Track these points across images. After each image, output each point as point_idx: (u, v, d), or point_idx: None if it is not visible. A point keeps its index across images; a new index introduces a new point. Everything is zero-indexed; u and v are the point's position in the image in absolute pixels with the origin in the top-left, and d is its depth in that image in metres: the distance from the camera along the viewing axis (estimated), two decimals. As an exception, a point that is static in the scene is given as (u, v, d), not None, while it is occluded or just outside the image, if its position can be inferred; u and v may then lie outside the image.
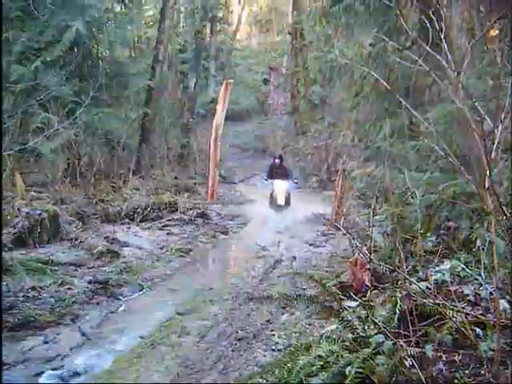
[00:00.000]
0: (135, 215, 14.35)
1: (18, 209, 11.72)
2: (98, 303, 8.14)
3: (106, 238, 11.91)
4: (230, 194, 20.27)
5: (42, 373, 5.63)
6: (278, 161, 16.47)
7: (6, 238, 10.48)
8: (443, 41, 3.53)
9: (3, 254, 9.56)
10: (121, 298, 8.53)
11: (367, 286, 5.77)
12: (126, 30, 17.87)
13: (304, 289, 7.71)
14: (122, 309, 8.04)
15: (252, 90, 30.88)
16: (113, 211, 14.13)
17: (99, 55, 16.88)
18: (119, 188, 16.74)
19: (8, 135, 14.53)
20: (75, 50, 15.21)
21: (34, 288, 8.07)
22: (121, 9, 18.69)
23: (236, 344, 6.05)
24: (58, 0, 14.58)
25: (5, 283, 8.04)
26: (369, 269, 5.76)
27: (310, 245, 11.68)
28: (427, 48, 3.63)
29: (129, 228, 13.44)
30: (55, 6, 14.51)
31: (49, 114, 14.75)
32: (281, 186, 15.61)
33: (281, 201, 15.35)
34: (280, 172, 16.12)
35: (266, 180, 16.26)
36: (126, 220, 14.03)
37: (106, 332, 7.00)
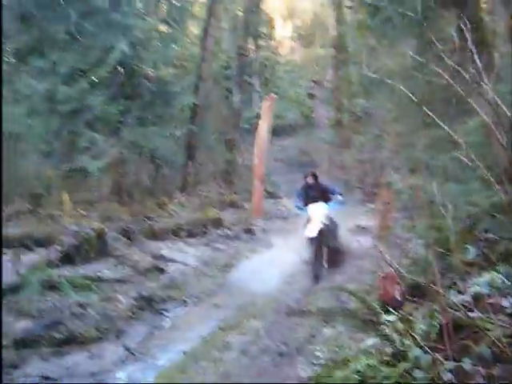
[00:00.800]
0: (181, 231, 14.47)
1: (66, 227, 11.97)
2: (142, 319, 8.25)
3: (151, 254, 12.04)
4: (275, 208, 20.21)
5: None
6: (310, 179, 11.62)
7: (53, 256, 10.71)
8: (474, 50, 3.51)
9: (51, 270, 9.79)
10: (165, 313, 8.63)
11: (398, 300, 5.71)
12: (169, 49, 18.09)
13: (346, 302, 7.66)
14: (166, 324, 8.12)
15: (296, 104, 30.92)
16: (158, 228, 14.28)
17: (143, 74, 17.10)
18: (165, 205, 16.91)
19: (56, 155, 14.90)
20: (120, 69, 15.45)
21: (79, 304, 8.21)
22: (164, 28, 18.91)
23: (277, 359, 6.04)
24: (103, 21, 14.84)
25: (51, 299, 8.23)
26: (399, 283, 5.69)
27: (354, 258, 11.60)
28: (452, 63, 3.60)
29: (174, 244, 13.54)
30: (100, 28, 14.80)
31: (95, 133, 15.00)
32: (317, 213, 10.93)
33: (311, 232, 10.58)
34: (316, 193, 11.37)
35: (299, 208, 11.63)
36: (172, 236, 14.15)
37: (149, 347, 7.09)
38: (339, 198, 11.28)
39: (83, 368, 6.21)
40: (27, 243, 11.73)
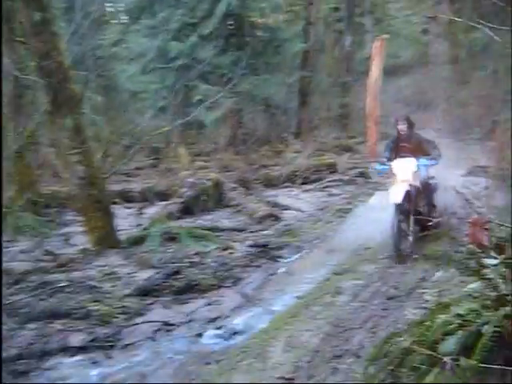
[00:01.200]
0: (296, 178, 14.64)
1: (184, 179, 12.44)
2: (258, 266, 8.49)
3: (267, 202, 12.30)
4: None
5: (204, 332, 6.06)
6: (402, 126, 8.63)
7: (172, 208, 11.21)
8: None
9: (171, 222, 10.27)
10: (280, 260, 8.85)
11: (485, 245, 5.57)
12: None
13: (455, 248, 7.50)
14: (281, 271, 8.33)
15: (410, 42, 30.02)
16: (274, 175, 14.54)
17: (252, 23, 17.13)
18: (280, 152, 17.11)
19: (172, 109, 15.37)
20: (228, 20, 15.58)
21: (198, 254, 8.59)
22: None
23: (387, 302, 6.13)
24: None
25: (171, 250, 8.70)
26: (487, 229, 5.55)
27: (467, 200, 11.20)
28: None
29: (290, 191, 13.77)
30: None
31: (208, 85, 15.32)
32: (403, 170, 8.23)
33: (395, 197, 7.94)
34: (408, 145, 8.57)
35: (383, 165, 8.70)
36: (287, 183, 14.37)
37: (265, 293, 7.34)
38: (434, 153, 8.38)
39: (202, 315, 6.54)
40: (149, 196, 12.33)
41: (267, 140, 17.74)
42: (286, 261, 8.82)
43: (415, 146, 8.53)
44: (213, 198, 11.93)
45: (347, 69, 22.76)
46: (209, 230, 9.94)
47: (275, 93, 18.00)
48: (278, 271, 8.32)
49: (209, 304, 6.92)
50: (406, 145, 8.60)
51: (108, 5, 22.27)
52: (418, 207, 8.36)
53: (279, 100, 18.64)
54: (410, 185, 8.11)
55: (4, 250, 9.48)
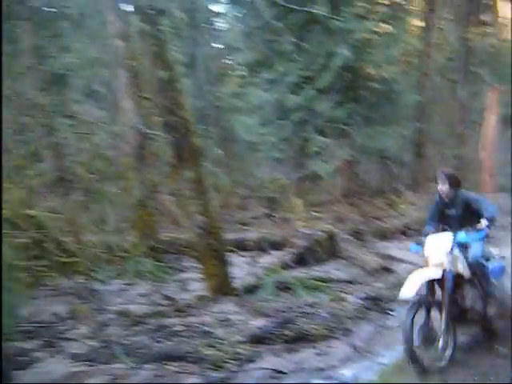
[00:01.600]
0: (409, 230, 14.58)
1: (299, 230, 12.74)
2: (369, 318, 8.58)
3: (380, 254, 12.32)
4: (505, 203, 19.27)
5: (313, 382, 6.23)
6: (443, 186, 6.40)
7: (286, 257, 11.51)
8: None
9: (284, 272, 10.58)
10: (392, 313, 8.87)
11: None
12: (391, 48, 18.10)
13: None
14: (392, 323, 8.36)
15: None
16: (387, 227, 14.55)
17: (367, 76, 17.35)
18: (394, 204, 17.10)
19: (288, 161, 15.83)
20: (343, 73, 15.87)
21: (310, 304, 8.80)
22: (385, 27, 18.93)
23: (496, 360, 6.08)
24: (324, 28, 15.40)
25: (284, 300, 8.96)
26: None
27: None
28: None
29: (403, 244, 13.68)
30: (322, 35, 15.40)
31: (324, 137, 15.61)
32: (433, 249, 6.20)
33: (406, 290, 5.78)
34: (455, 211, 6.47)
35: (418, 243, 6.70)
36: (400, 236, 14.32)
37: (374, 346, 7.42)
38: (485, 222, 5.98)
39: (311, 364, 6.72)
40: (263, 246, 12.69)
41: (381, 191, 17.80)
42: (396, 314, 8.83)
43: (463, 212, 6.40)
44: (326, 248, 12.10)
45: (462, 119, 22.48)
46: (321, 281, 10.15)
47: (390, 144, 18.04)
48: (389, 324, 8.37)
49: (319, 354, 7.08)
50: (451, 210, 6.55)
51: (227, 57, 23.42)
52: (462, 301, 6.28)
53: (394, 151, 18.65)
54: (441, 270, 6.00)
55: (124, 292, 10.20)
